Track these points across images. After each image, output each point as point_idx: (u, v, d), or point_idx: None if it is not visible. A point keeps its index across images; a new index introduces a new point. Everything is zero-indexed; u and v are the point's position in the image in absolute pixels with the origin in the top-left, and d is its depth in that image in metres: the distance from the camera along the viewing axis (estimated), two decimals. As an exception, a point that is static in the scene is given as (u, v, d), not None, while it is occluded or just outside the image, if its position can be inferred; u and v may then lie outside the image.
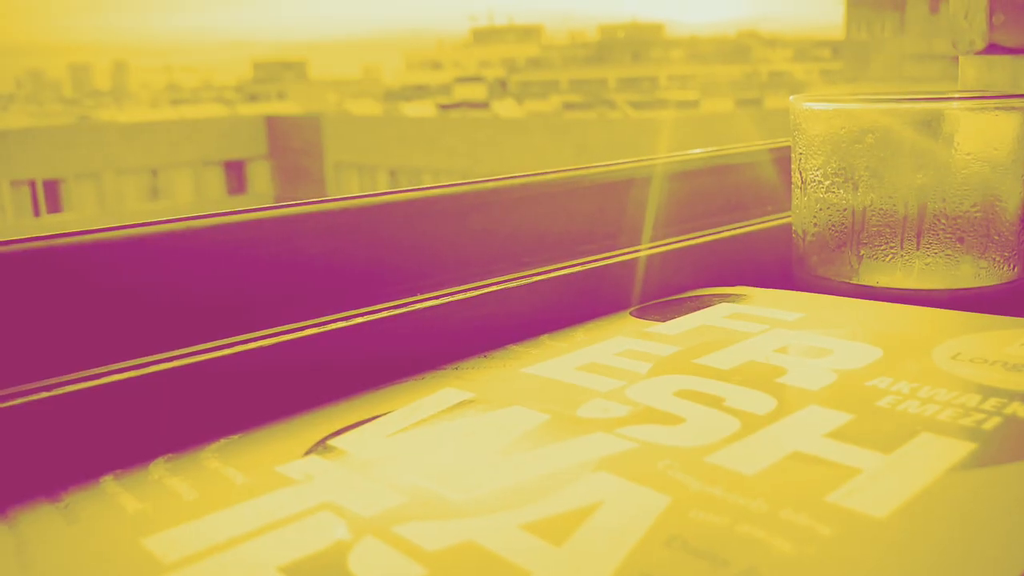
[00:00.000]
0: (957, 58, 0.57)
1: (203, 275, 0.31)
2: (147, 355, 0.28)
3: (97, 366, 0.27)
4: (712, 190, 0.50)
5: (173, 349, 0.28)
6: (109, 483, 0.24)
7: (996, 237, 0.38)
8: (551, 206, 0.42)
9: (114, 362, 0.27)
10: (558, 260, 0.40)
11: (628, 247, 0.42)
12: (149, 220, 0.31)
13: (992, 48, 0.52)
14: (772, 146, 0.53)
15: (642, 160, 0.46)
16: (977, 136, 0.38)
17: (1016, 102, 0.39)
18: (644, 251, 0.41)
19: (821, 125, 0.40)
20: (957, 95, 0.40)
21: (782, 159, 0.52)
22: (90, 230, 0.29)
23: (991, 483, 0.21)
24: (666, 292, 0.41)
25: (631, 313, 0.38)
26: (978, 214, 0.38)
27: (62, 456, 0.25)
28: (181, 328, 0.30)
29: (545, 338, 0.35)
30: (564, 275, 0.38)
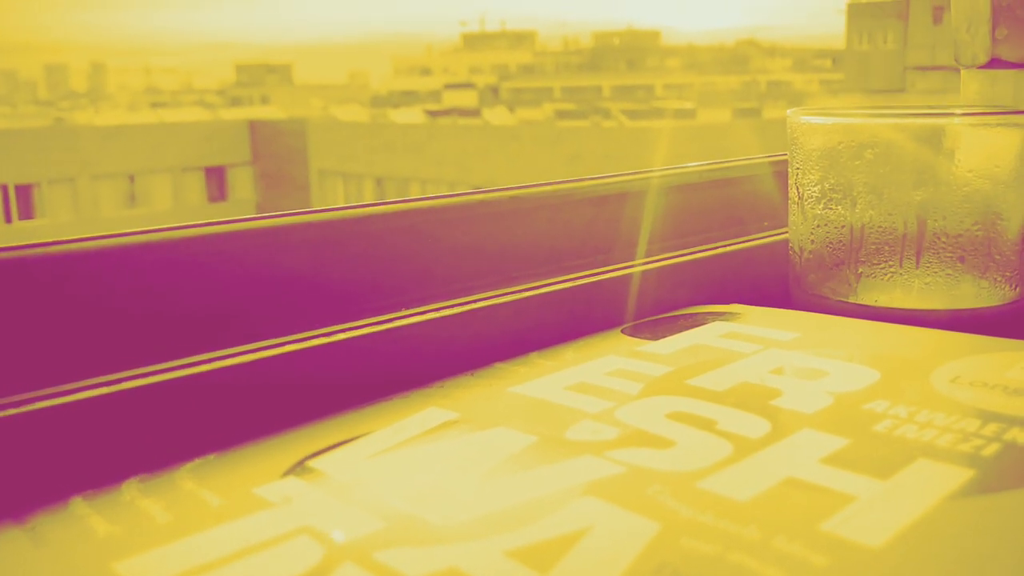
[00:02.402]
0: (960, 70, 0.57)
1: (178, 288, 0.31)
2: (119, 371, 0.28)
3: (66, 382, 0.27)
4: (708, 204, 0.50)
5: (146, 365, 0.28)
6: (78, 504, 0.24)
7: (997, 256, 0.39)
8: (542, 220, 0.42)
9: (84, 378, 0.27)
10: (548, 275, 0.40)
11: (620, 263, 0.42)
12: (125, 228, 0.31)
13: (995, 62, 0.53)
14: (771, 159, 0.53)
15: (636, 173, 0.46)
16: (979, 153, 0.39)
17: (1019, 118, 0.39)
18: (636, 267, 0.41)
19: (819, 139, 0.40)
20: (959, 111, 0.40)
21: (781, 172, 0.52)
22: (62, 241, 0.29)
23: (990, 511, 0.21)
24: (659, 309, 0.41)
25: (622, 331, 0.38)
26: (979, 232, 0.38)
27: (29, 476, 0.25)
28: (155, 343, 0.30)
29: (534, 356, 0.35)
30: (554, 291, 0.38)
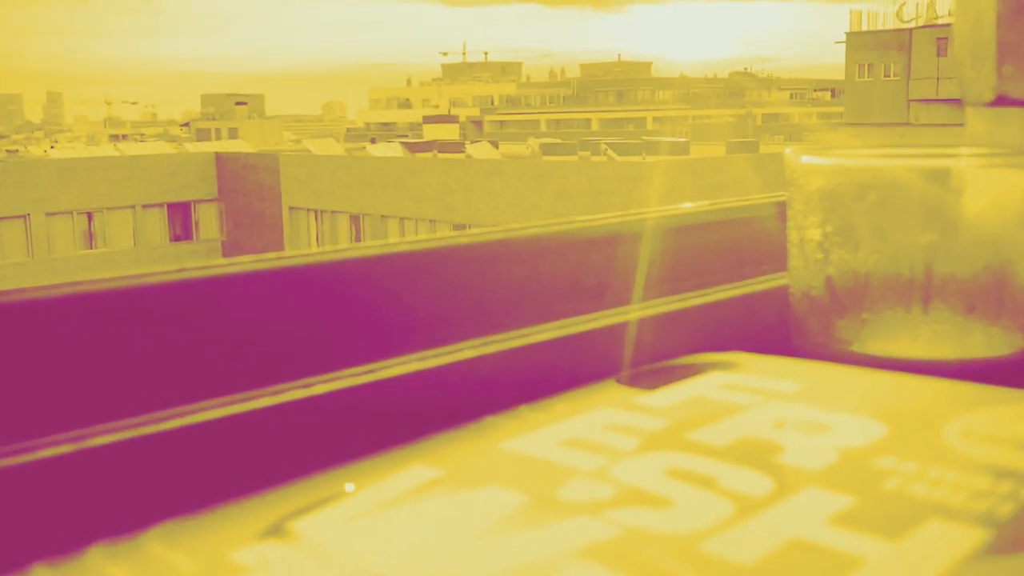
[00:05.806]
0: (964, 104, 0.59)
1: (142, 339, 0.31)
2: (82, 427, 0.28)
3: (26, 439, 0.27)
4: (704, 247, 0.50)
5: (112, 420, 0.28)
6: (41, 572, 0.24)
7: (1009, 303, 0.39)
8: (531, 263, 0.42)
9: (44, 435, 0.27)
10: (537, 322, 0.40)
11: (613, 309, 0.42)
12: (84, 272, 0.31)
13: (1001, 100, 0.54)
14: (770, 200, 0.54)
15: (629, 214, 0.47)
16: (987, 195, 0.39)
17: (1027, 159, 0.40)
18: (631, 314, 0.42)
19: (819, 180, 0.41)
20: (966, 151, 0.41)
21: (782, 213, 0.53)
22: (15, 289, 0.29)
23: (1006, 575, 0.21)
24: (655, 358, 0.41)
25: (617, 381, 0.38)
26: (989, 278, 0.39)
27: (-13, 540, 0.25)
28: (120, 397, 0.30)
29: (523, 409, 0.35)
30: (544, 340, 0.38)
